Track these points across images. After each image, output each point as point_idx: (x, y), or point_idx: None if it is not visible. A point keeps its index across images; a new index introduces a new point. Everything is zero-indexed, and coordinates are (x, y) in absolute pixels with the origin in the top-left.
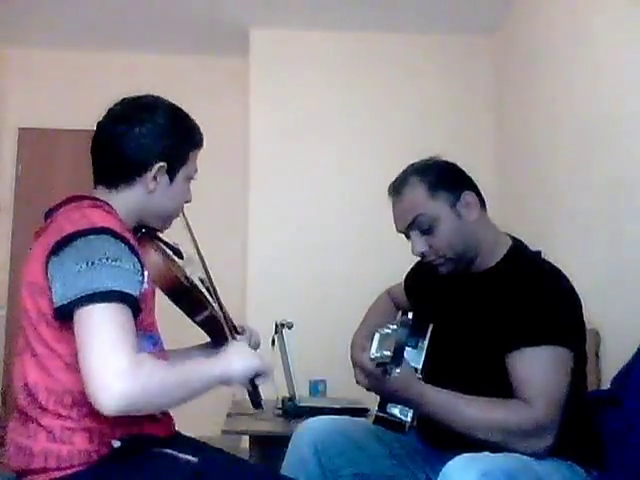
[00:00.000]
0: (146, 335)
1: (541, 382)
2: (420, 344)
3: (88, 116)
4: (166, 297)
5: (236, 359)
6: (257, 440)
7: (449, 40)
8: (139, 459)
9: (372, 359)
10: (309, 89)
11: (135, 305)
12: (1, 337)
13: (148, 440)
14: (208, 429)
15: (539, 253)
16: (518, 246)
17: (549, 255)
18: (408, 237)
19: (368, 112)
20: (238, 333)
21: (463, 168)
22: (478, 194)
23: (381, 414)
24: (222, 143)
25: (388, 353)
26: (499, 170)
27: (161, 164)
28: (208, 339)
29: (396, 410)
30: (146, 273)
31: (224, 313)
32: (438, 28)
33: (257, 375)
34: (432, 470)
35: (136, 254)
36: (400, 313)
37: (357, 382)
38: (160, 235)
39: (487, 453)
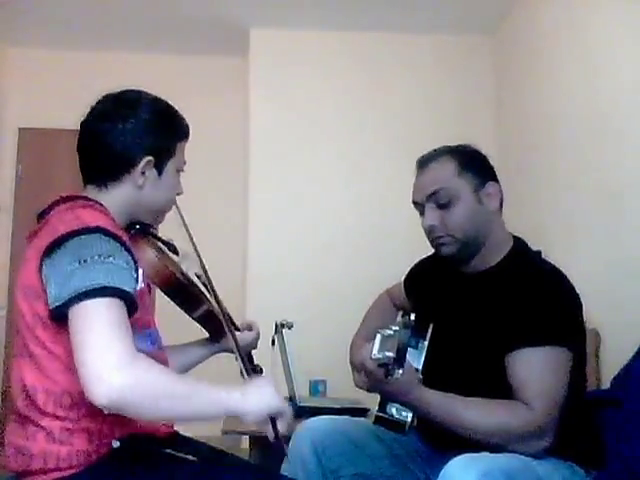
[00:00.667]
0: (144, 332)
1: (540, 383)
2: (420, 344)
3: None
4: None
5: (253, 396)
6: (257, 440)
7: (449, 40)
8: (139, 459)
9: (374, 359)
10: (309, 89)
11: (131, 301)
12: (1, 337)
13: (148, 440)
14: (208, 429)
15: (539, 253)
16: (520, 246)
17: (548, 255)
18: (422, 213)
19: (368, 112)
20: (237, 329)
21: None
22: (500, 191)
23: (381, 414)
24: (222, 143)
25: (390, 354)
26: (499, 170)
27: (148, 159)
28: (206, 334)
29: (396, 410)
30: (140, 271)
31: (222, 309)
32: (438, 28)
33: (276, 415)
34: (432, 470)
35: (129, 251)
36: (400, 313)
37: (355, 385)
38: (155, 232)
39: (487, 453)
